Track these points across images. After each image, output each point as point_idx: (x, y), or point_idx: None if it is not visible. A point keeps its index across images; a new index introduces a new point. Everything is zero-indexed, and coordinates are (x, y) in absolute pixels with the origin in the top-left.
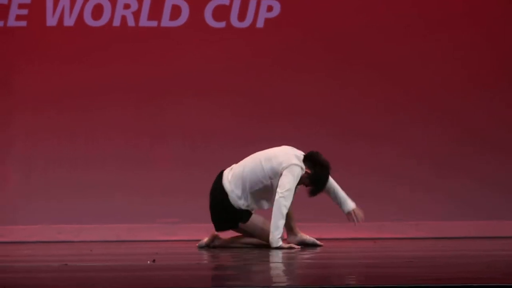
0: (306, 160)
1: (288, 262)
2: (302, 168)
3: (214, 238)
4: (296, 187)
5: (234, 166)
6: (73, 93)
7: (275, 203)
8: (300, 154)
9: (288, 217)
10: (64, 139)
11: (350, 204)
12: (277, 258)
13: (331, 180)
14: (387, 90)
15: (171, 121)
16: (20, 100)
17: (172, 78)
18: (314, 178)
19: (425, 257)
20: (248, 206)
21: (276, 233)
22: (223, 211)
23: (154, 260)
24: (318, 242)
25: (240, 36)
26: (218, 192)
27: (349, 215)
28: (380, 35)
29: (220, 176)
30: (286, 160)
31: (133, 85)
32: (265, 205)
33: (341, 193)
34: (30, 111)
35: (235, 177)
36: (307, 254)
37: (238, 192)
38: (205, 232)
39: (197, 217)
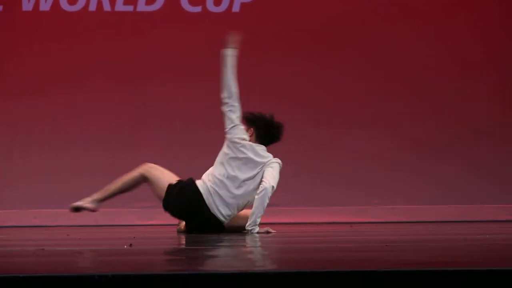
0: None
1: (264, 246)
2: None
3: None
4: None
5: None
6: (51, 78)
7: (264, 190)
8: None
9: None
10: (43, 124)
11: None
12: (252, 242)
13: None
14: (368, 73)
15: (151, 104)
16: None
17: (149, 63)
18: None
19: (401, 241)
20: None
21: (259, 220)
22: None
23: (131, 245)
24: (271, 230)
25: (216, 20)
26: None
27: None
28: (362, 19)
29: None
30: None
31: (110, 70)
32: None
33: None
34: (8, 96)
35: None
36: (283, 238)
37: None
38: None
39: None
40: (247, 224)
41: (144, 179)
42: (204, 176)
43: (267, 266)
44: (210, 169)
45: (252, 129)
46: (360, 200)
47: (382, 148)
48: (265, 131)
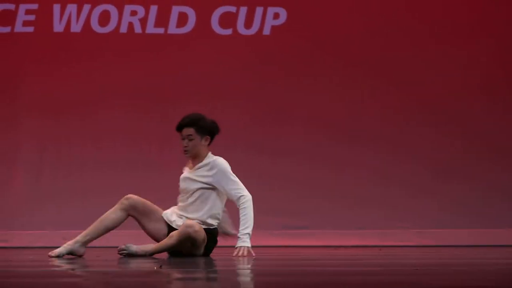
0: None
1: (295, 270)
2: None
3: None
4: None
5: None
6: (80, 98)
7: (248, 202)
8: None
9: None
10: (71, 144)
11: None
12: (271, 267)
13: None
14: (393, 95)
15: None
16: (27, 105)
17: (179, 85)
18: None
19: (431, 265)
20: None
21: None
22: None
23: (161, 266)
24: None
25: (246, 43)
26: None
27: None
28: (384, 41)
29: None
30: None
31: (139, 91)
32: None
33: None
34: (37, 116)
35: None
36: (314, 261)
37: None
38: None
39: None
40: (242, 231)
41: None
42: (210, 219)
43: None
44: (207, 210)
45: (208, 137)
46: (386, 223)
47: (409, 170)
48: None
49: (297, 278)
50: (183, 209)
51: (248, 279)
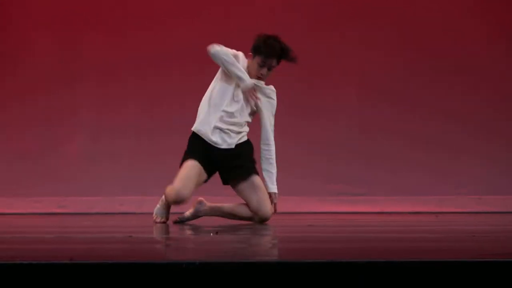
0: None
1: (352, 236)
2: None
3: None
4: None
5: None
6: (140, 62)
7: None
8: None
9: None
10: (129, 108)
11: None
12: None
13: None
14: (440, 60)
15: None
16: (86, 67)
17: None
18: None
19: (489, 232)
20: None
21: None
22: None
23: (217, 232)
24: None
25: (297, 4)
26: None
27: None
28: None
29: None
30: None
31: (191, 58)
32: None
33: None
34: (95, 78)
35: None
36: (368, 228)
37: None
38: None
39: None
40: (274, 189)
41: None
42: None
43: (360, 256)
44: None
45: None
46: (444, 190)
47: (466, 136)
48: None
49: (352, 244)
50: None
51: (301, 245)
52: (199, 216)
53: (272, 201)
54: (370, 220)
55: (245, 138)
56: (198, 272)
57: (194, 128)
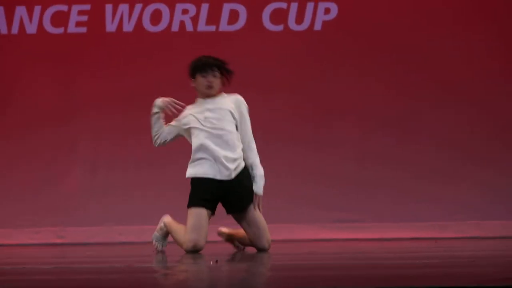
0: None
1: (351, 264)
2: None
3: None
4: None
5: None
6: (134, 95)
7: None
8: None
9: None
10: (127, 140)
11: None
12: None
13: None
14: (446, 94)
15: None
16: (83, 102)
17: (232, 80)
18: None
19: (488, 257)
20: None
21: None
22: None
23: (217, 261)
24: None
25: (298, 39)
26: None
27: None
28: (436, 35)
29: None
30: None
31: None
32: None
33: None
34: (93, 113)
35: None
36: (369, 254)
37: None
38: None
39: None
40: (258, 189)
41: None
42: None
43: (361, 284)
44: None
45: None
46: (443, 215)
47: (464, 164)
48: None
49: (351, 271)
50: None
51: (302, 273)
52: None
53: (255, 204)
54: (370, 246)
55: (242, 165)
56: None
57: (188, 174)
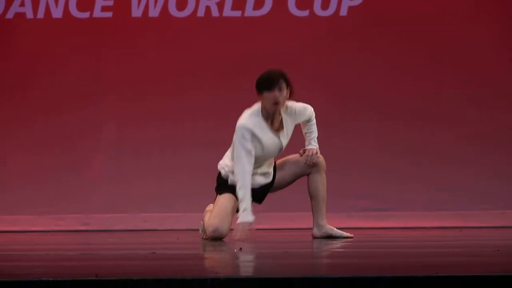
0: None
1: (376, 251)
2: (250, 117)
3: None
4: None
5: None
6: (159, 81)
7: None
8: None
9: (315, 202)
10: (152, 125)
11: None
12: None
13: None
14: (470, 82)
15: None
16: (108, 87)
17: (256, 66)
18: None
19: None
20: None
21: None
22: None
23: (241, 249)
24: (346, 234)
25: (323, 24)
26: None
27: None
28: (463, 23)
29: None
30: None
31: (218, 72)
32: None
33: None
34: (117, 98)
35: None
36: (394, 243)
37: None
38: (288, 220)
39: (280, 206)
40: (308, 144)
41: None
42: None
43: (385, 271)
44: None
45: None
46: (468, 205)
47: (490, 155)
48: None
49: (376, 260)
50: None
51: (326, 261)
52: None
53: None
54: (395, 235)
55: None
56: None
57: (224, 175)
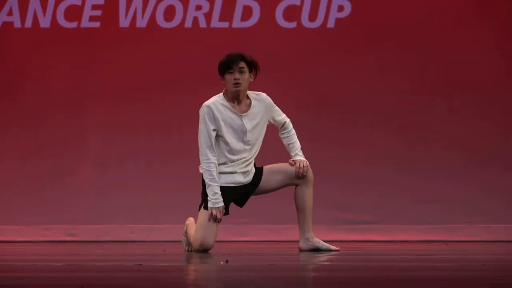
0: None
1: (361, 266)
2: (208, 106)
3: None
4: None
5: None
6: (146, 90)
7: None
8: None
9: (302, 215)
10: (138, 135)
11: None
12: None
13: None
14: (460, 95)
15: None
16: (95, 97)
17: None
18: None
19: (498, 261)
20: None
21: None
22: None
23: (227, 261)
24: (332, 247)
25: (311, 36)
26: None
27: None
28: (451, 31)
29: None
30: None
31: (206, 83)
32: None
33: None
34: (104, 108)
35: None
36: (378, 256)
37: None
38: (275, 233)
39: (267, 218)
40: (296, 155)
41: None
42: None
43: (372, 285)
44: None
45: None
46: (454, 219)
47: (477, 168)
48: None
49: (361, 273)
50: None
51: (312, 274)
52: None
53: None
54: (381, 248)
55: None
56: None
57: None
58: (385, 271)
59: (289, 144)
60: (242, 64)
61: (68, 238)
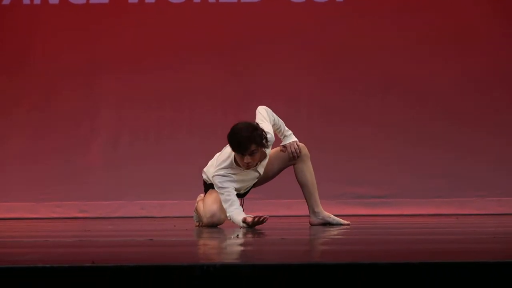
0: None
1: (371, 238)
2: (224, 169)
3: None
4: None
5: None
6: (156, 66)
7: (265, 111)
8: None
9: (306, 190)
10: (149, 111)
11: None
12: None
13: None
14: (474, 65)
15: (261, 88)
16: (104, 73)
17: (253, 51)
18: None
19: (509, 233)
20: None
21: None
22: None
23: (238, 236)
24: (343, 221)
25: (320, 10)
26: None
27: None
28: (465, 16)
29: None
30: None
31: (215, 57)
32: None
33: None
34: (114, 84)
35: None
36: (390, 230)
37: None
38: (285, 208)
39: (277, 193)
40: (284, 137)
41: None
42: None
43: (382, 258)
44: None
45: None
46: (465, 192)
47: (487, 142)
48: None
49: (372, 247)
50: None
51: (322, 247)
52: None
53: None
54: (391, 222)
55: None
56: (218, 274)
57: (208, 182)
58: (396, 244)
59: (276, 130)
60: (253, 147)
61: (80, 215)
